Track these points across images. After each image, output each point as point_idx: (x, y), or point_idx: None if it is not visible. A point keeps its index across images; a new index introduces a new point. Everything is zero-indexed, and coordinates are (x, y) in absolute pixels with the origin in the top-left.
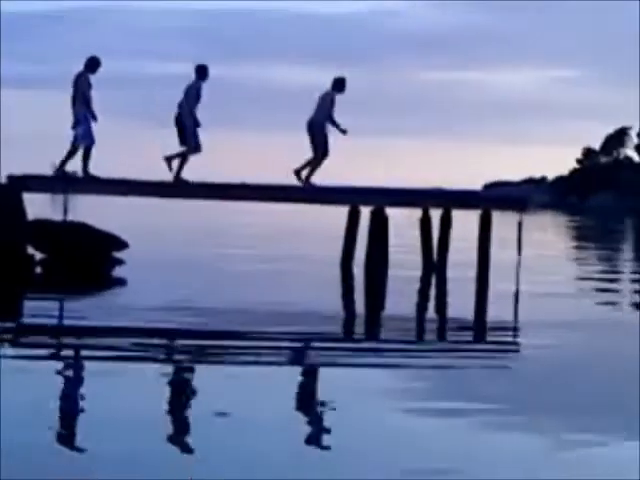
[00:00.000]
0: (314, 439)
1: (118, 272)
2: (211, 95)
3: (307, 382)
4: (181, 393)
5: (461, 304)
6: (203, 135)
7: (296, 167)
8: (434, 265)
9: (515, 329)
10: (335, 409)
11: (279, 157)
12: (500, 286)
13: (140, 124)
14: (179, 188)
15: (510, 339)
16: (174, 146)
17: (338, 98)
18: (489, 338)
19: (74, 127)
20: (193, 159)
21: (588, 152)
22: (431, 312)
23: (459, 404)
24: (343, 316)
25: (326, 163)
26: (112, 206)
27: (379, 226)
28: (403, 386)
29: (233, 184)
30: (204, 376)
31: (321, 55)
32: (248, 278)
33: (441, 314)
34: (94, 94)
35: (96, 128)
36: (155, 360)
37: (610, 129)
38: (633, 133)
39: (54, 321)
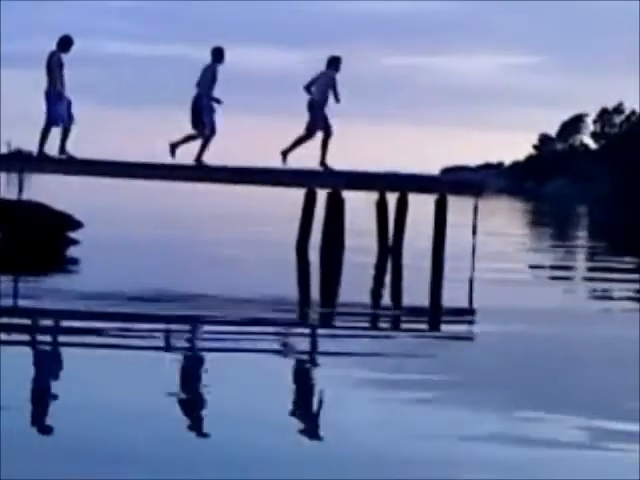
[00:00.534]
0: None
1: (72, 252)
2: (171, 75)
3: (258, 369)
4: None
5: (416, 289)
6: (161, 116)
7: (284, 148)
8: (389, 249)
9: (469, 316)
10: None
11: (243, 139)
12: (455, 271)
13: (94, 103)
14: (137, 168)
15: (464, 326)
16: (125, 125)
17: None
18: (442, 325)
19: (49, 107)
20: (158, 139)
21: (544, 138)
22: (385, 297)
23: (407, 393)
24: (294, 301)
25: (279, 145)
26: (76, 186)
27: (335, 209)
28: (344, 373)
29: (190, 165)
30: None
31: (285, 37)
32: (200, 261)
33: (395, 300)
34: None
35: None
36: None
37: (567, 116)
38: (589, 120)
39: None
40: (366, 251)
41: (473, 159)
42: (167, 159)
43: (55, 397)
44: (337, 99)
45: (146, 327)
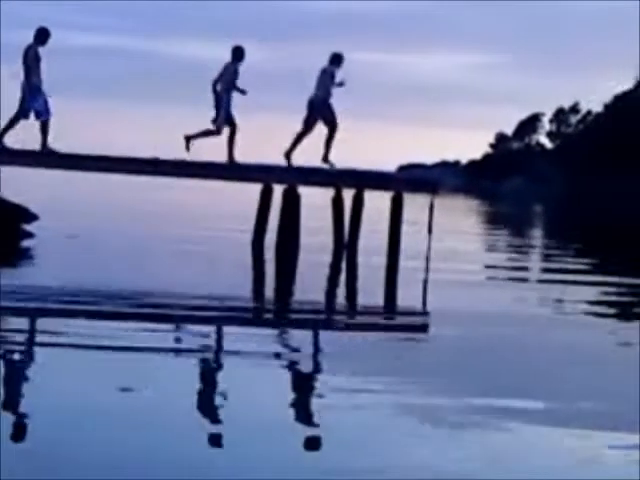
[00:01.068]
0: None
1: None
2: (131, 68)
3: (205, 369)
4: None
5: (370, 287)
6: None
7: (286, 149)
8: (345, 245)
9: (423, 316)
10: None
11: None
12: (409, 270)
13: (62, 95)
14: (93, 161)
15: (417, 326)
16: (92, 117)
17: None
18: (396, 325)
19: (24, 100)
20: (99, 132)
21: (501, 137)
22: (338, 294)
23: (360, 397)
24: (248, 299)
25: (243, 140)
26: (37, 180)
27: (291, 205)
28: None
29: (147, 159)
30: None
31: (247, 33)
32: (153, 257)
33: (350, 298)
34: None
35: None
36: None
37: (524, 115)
38: (545, 120)
39: None
40: (322, 248)
41: (430, 157)
42: (125, 151)
43: None
44: (340, 83)
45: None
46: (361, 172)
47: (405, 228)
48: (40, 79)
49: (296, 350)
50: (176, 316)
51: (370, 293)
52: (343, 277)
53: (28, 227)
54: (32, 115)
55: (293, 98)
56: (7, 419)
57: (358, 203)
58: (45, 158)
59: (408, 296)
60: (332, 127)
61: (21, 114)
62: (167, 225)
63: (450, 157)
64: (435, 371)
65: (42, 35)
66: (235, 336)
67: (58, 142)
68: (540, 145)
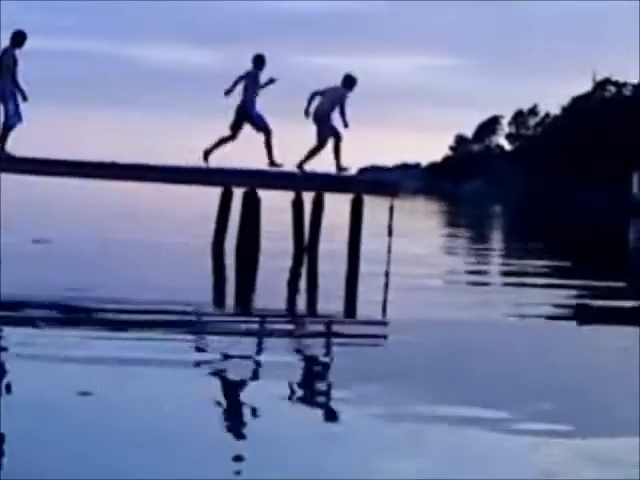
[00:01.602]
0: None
1: None
2: (95, 72)
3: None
4: None
5: (330, 292)
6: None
7: (299, 161)
8: (305, 248)
9: (382, 324)
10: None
11: (166, 136)
12: (369, 273)
13: None
14: (53, 166)
15: (376, 334)
16: (54, 122)
17: None
18: (355, 333)
19: (8, 104)
20: (59, 136)
21: (461, 139)
22: (296, 300)
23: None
24: (204, 305)
25: (200, 143)
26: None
27: (251, 208)
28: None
29: (104, 163)
30: None
31: (198, 36)
32: (110, 262)
33: (310, 305)
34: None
35: (24, 107)
36: None
37: (483, 117)
38: (505, 122)
39: None
40: (282, 251)
41: (390, 159)
42: (84, 155)
43: None
44: (345, 122)
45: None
46: (321, 175)
47: (365, 231)
48: (18, 84)
49: (247, 359)
50: (126, 323)
51: (330, 299)
52: (303, 281)
53: None
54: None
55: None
56: None
57: (318, 206)
58: (2, 163)
59: (368, 301)
60: (321, 143)
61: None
62: (128, 230)
63: (410, 159)
64: (394, 379)
65: (18, 38)
66: (186, 343)
67: (18, 146)
68: (499, 147)
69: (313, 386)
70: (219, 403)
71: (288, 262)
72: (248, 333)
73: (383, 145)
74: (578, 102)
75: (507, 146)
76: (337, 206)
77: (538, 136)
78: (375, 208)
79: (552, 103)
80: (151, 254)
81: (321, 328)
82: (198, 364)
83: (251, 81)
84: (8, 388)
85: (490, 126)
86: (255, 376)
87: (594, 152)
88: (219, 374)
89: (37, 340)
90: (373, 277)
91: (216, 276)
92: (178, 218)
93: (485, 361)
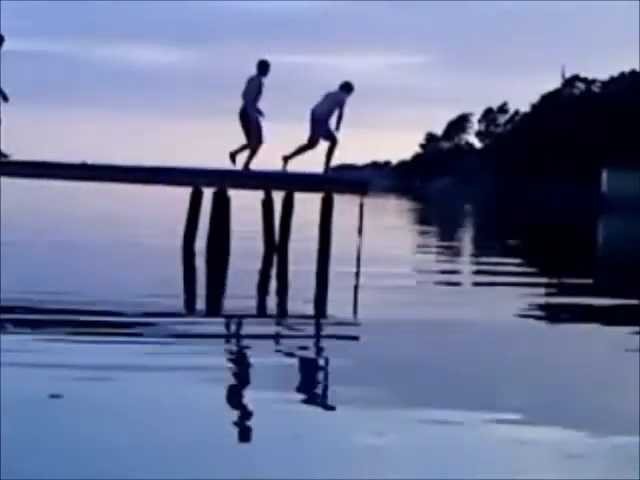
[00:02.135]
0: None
1: None
2: (59, 72)
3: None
4: None
5: (300, 293)
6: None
7: (285, 154)
8: (276, 247)
9: (353, 325)
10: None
11: (139, 136)
12: (340, 272)
13: None
14: (20, 168)
15: (347, 335)
16: (20, 123)
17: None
18: (325, 335)
19: None
20: (36, 138)
21: (431, 137)
22: (266, 299)
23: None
24: (176, 307)
25: (171, 143)
26: None
27: (221, 208)
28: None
29: (73, 164)
30: None
31: (164, 35)
32: (79, 264)
33: (280, 306)
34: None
35: (4, 108)
36: None
37: (453, 115)
38: (474, 120)
39: None
40: (253, 251)
41: (361, 158)
42: (56, 156)
43: None
44: (338, 126)
45: None
46: (290, 174)
47: (336, 230)
48: None
49: (215, 362)
50: (90, 325)
51: (300, 300)
52: (273, 282)
53: None
54: None
55: (220, 101)
56: None
57: (288, 205)
58: None
59: (339, 302)
60: (312, 142)
61: None
62: (98, 231)
63: (381, 158)
64: (364, 381)
65: None
66: (156, 347)
67: None
68: (469, 145)
69: (280, 390)
70: (184, 408)
71: (258, 262)
72: (216, 335)
73: (353, 144)
74: (547, 99)
75: (477, 144)
76: (308, 206)
77: (508, 134)
78: (345, 207)
79: (522, 100)
80: (120, 256)
81: (291, 329)
82: (160, 368)
83: (254, 87)
84: None
85: (460, 124)
86: (219, 380)
87: (563, 149)
88: (185, 379)
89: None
90: (344, 277)
91: (186, 277)
92: (150, 219)
93: (457, 362)
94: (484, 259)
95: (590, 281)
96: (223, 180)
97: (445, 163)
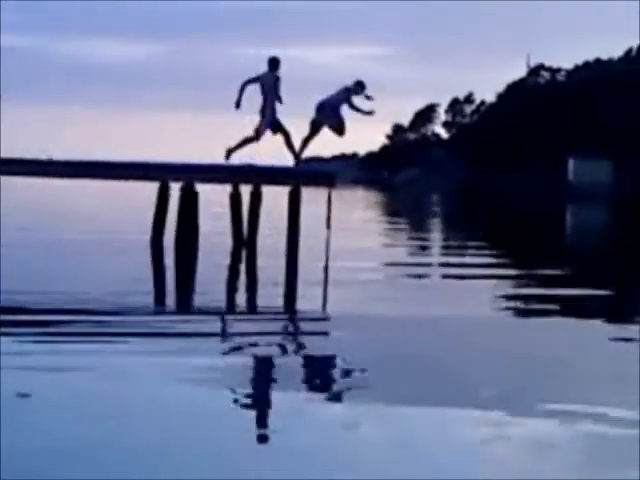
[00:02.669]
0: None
1: None
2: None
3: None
4: None
5: (269, 288)
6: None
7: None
8: (244, 241)
9: (322, 320)
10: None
11: (106, 131)
12: (308, 266)
13: None
14: None
15: (316, 331)
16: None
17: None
18: (294, 331)
19: None
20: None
21: (397, 128)
22: (234, 294)
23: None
24: (144, 305)
25: (138, 138)
26: None
27: (189, 202)
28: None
29: (39, 160)
30: None
31: (133, 30)
32: (45, 262)
33: (249, 301)
34: None
35: None
36: None
37: (420, 106)
38: (441, 110)
39: None
40: (221, 245)
41: (328, 150)
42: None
43: None
44: (360, 109)
45: None
46: (257, 167)
47: (304, 223)
48: None
49: (181, 360)
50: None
51: (269, 295)
52: (242, 277)
53: None
54: None
55: (191, 94)
56: None
57: (256, 199)
58: None
59: (308, 296)
60: (313, 131)
61: None
62: (64, 228)
63: (348, 150)
64: (337, 377)
65: None
66: (125, 345)
67: None
68: (436, 135)
69: (251, 387)
70: (151, 407)
71: (227, 257)
72: (184, 334)
73: (320, 136)
74: (512, 89)
75: (444, 134)
76: (277, 198)
77: (474, 124)
78: (313, 199)
79: (488, 90)
80: (87, 252)
81: (260, 325)
82: (127, 366)
83: (269, 84)
84: None
85: (426, 114)
86: (186, 380)
87: (530, 138)
88: (152, 377)
89: None
90: (313, 271)
91: (155, 273)
92: (118, 214)
93: (428, 357)
94: (452, 251)
95: (559, 272)
96: (190, 174)
97: (412, 154)
